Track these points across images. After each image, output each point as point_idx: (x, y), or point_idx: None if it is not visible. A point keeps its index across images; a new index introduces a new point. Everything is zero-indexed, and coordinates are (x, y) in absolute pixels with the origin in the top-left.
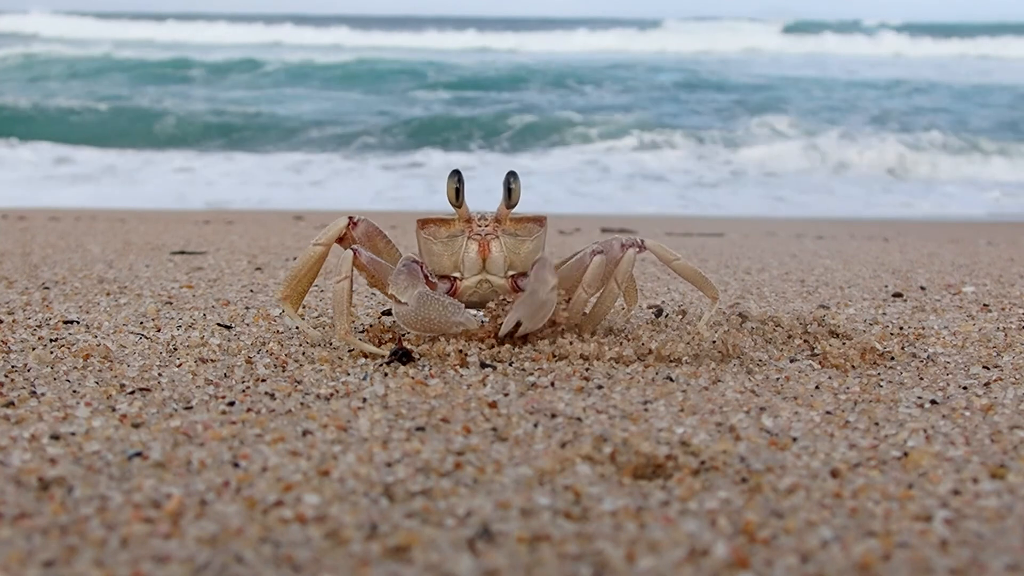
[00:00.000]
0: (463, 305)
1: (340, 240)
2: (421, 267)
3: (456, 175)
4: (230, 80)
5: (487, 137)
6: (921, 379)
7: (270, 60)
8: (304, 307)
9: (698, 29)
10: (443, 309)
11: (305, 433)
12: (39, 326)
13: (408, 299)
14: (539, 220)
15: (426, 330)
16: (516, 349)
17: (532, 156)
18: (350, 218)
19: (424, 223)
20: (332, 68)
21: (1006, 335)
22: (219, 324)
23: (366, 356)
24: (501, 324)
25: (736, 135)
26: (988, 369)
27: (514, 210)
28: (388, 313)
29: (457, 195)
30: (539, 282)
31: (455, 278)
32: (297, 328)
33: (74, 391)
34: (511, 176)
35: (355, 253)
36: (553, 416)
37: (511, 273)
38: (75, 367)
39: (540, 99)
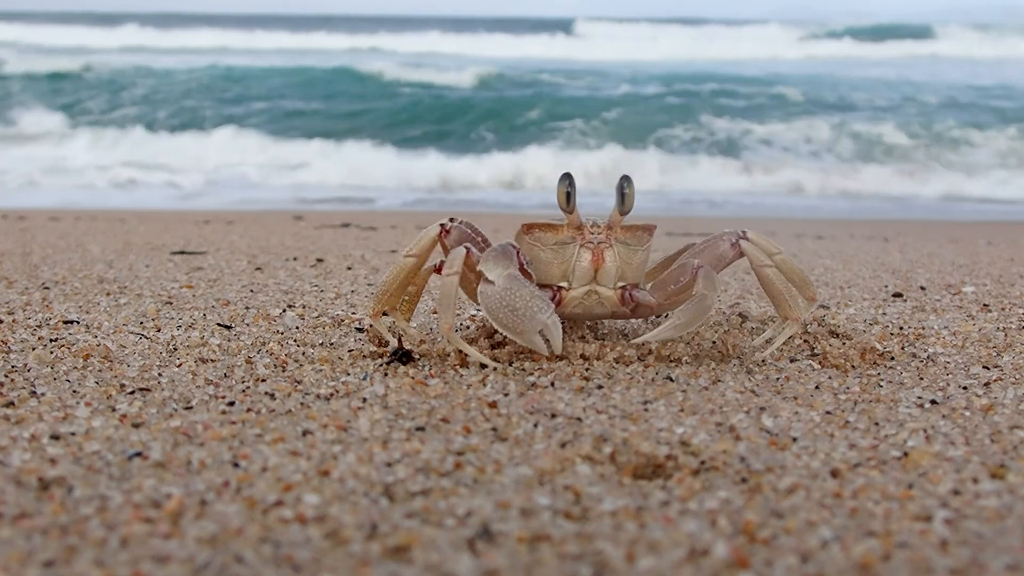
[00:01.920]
0: (552, 306)
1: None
2: (518, 253)
3: (567, 178)
4: None
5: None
6: (921, 379)
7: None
8: (304, 307)
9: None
10: (531, 299)
11: (305, 433)
12: (39, 326)
13: (496, 278)
14: (649, 229)
15: (506, 322)
16: (516, 348)
17: None
18: (442, 225)
19: (529, 228)
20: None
21: (1006, 335)
22: (219, 324)
23: (461, 353)
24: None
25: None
26: (988, 369)
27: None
28: (388, 313)
29: (568, 200)
30: (708, 288)
31: (561, 287)
32: (396, 335)
33: (74, 391)
34: (625, 180)
35: (468, 251)
36: (553, 416)
37: (620, 284)
38: (75, 367)
39: None
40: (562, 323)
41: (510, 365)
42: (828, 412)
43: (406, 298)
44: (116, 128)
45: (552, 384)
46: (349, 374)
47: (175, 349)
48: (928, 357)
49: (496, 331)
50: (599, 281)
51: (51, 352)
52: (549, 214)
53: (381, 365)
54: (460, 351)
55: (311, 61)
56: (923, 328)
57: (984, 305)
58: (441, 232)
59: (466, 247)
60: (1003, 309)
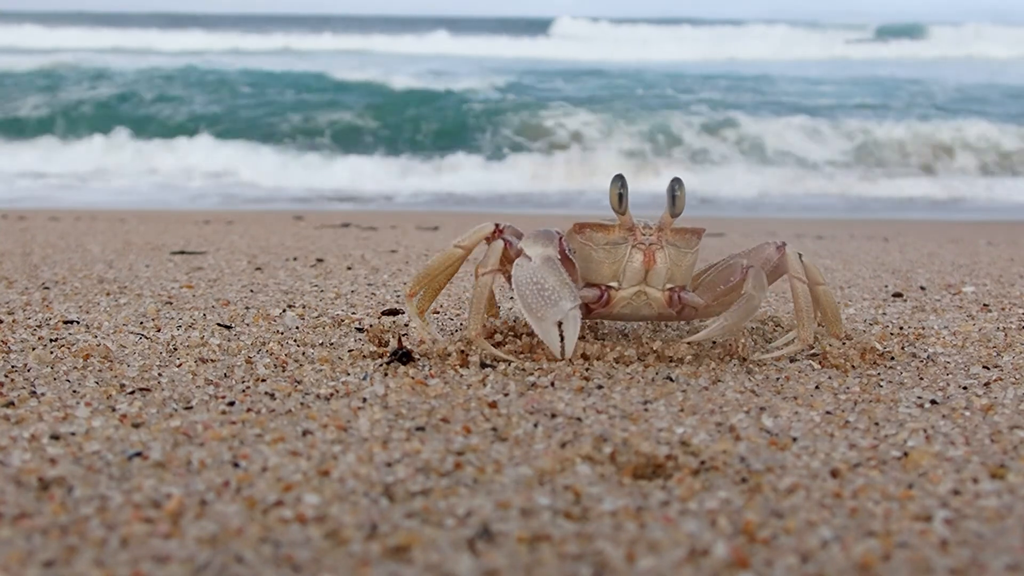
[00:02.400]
0: (577, 296)
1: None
2: (561, 240)
3: (619, 179)
4: None
5: None
6: (921, 379)
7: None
8: (304, 307)
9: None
10: (560, 285)
11: (305, 433)
12: (39, 326)
13: (534, 256)
14: (698, 232)
15: (531, 302)
16: (516, 348)
17: None
18: (496, 225)
19: (581, 227)
20: None
21: (1006, 335)
22: (219, 324)
23: (494, 359)
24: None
25: None
26: (988, 369)
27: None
28: (388, 313)
29: (620, 201)
30: (757, 288)
31: (610, 287)
32: (414, 328)
33: (74, 391)
34: (676, 183)
35: (506, 244)
36: (553, 416)
37: (669, 286)
38: (75, 367)
39: None
40: (600, 324)
41: (510, 365)
42: (828, 412)
43: (437, 283)
44: None
45: (552, 384)
46: (349, 374)
47: (175, 349)
48: (928, 357)
49: (495, 332)
50: (649, 282)
51: (51, 352)
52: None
53: (381, 365)
54: (461, 352)
55: (256, 63)
56: (923, 328)
57: (984, 305)
58: (495, 231)
59: (504, 239)
60: (1003, 309)
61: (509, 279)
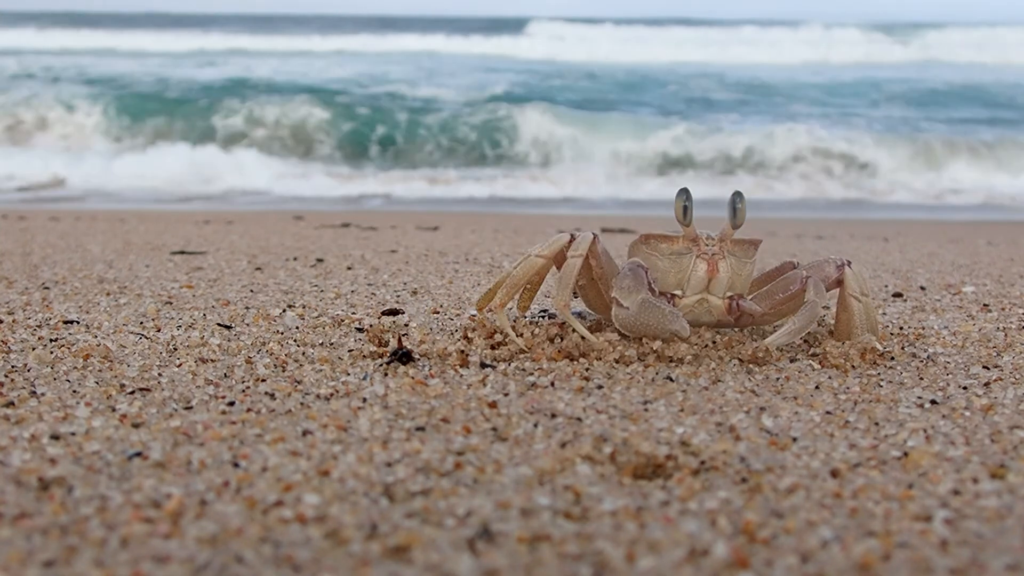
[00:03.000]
0: (681, 314)
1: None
2: (646, 273)
3: (684, 193)
4: None
5: None
6: (921, 379)
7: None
8: (304, 307)
9: None
10: (662, 317)
11: (305, 433)
12: (39, 326)
13: (630, 304)
14: (755, 243)
15: (641, 335)
16: (516, 348)
17: None
18: (571, 234)
19: (647, 238)
20: None
21: (1006, 335)
22: (219, 324)
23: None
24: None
25: None
26: (988, 369)
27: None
28: (388, 313)
29: (685, 213)
30: (819, 296)
31: (674, 295)
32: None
33: (74, 391)
34: (737, 196)
35: (595, 238)
36: (553, 416)
37: (728, 294)
38: (75, 367)
39: None
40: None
41: (510, 365)
42: (828, 412)
43: (527, 290)
44: None
45: (552, 384)
46: (349, 374)
47: (175, 349)
48: (928, 357)
49: (495, 332)
50: (711, 290)
51: (51, 352)
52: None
53: (381, 365)
54: (461, 352)
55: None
56: (923, 328)
57: (984, 305)
58: (570, 241)
59: (593, 234)
60: (1003, 309)
61: (590, 273)
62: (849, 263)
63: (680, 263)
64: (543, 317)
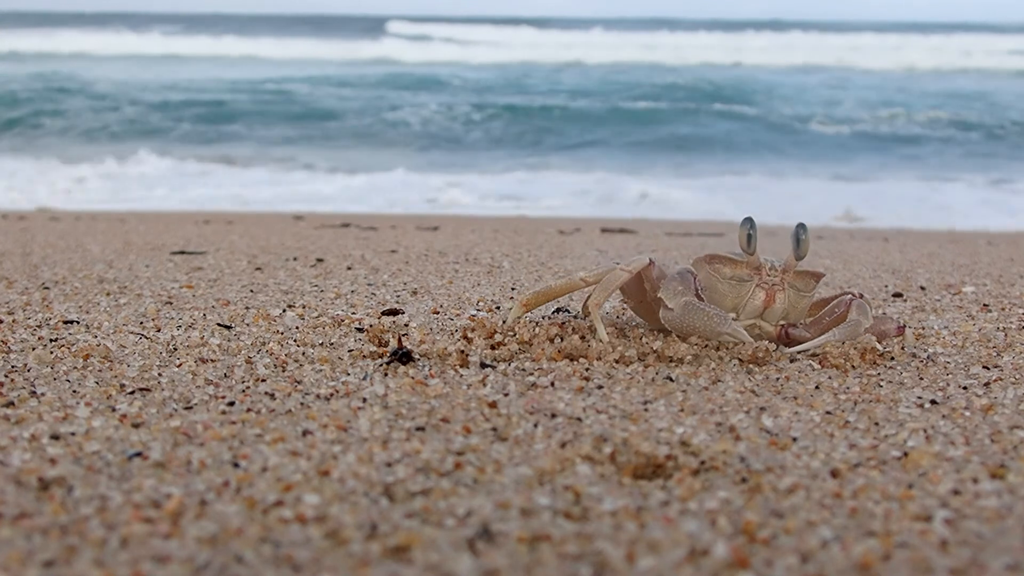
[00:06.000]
0: (730, 317)
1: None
2: (694, 279)
3: (748, 222)
4: None
5: None
6: (921, 379)
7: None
8: (304, 307)
9: None
10: (708, 320)
11: (305, 433)
12: (39, 326)
13: (675, 305)
14: (817, 276)
15: (691, 334)
16: (516, 349)
17: None
18: (651, 259)
19: (712, 258)
20: None
21: (1006, 335)
22: (219, 324)
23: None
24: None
25: None
26: (988, 369)
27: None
28: (388, 313)
29: (749, 241)
30: (862, 316)
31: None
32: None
33: (74, 391)
34: (800, 228)
35: (651, 262)
36: (553, 416)
37: (781, 323)
38: (75, 367)
39: None
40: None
41: (510, 365)
42: (828, 412)
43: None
44: None
45: (552, 384)
46: (349, 374)
47: (175, 349)
48: (928, 357)
49: (495, 332)
50: (764, 317)
51: (51, 352)
52: None
53: (381, 365)
54: (461, 352)
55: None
56: (923, 328)
57: (984, 305)
58: (649, 264)
59: (650, 258)
60: (1003, 309)
61: (644, 293)
62: (906, 326)
63: (739, 289)
64: (543, 317)
